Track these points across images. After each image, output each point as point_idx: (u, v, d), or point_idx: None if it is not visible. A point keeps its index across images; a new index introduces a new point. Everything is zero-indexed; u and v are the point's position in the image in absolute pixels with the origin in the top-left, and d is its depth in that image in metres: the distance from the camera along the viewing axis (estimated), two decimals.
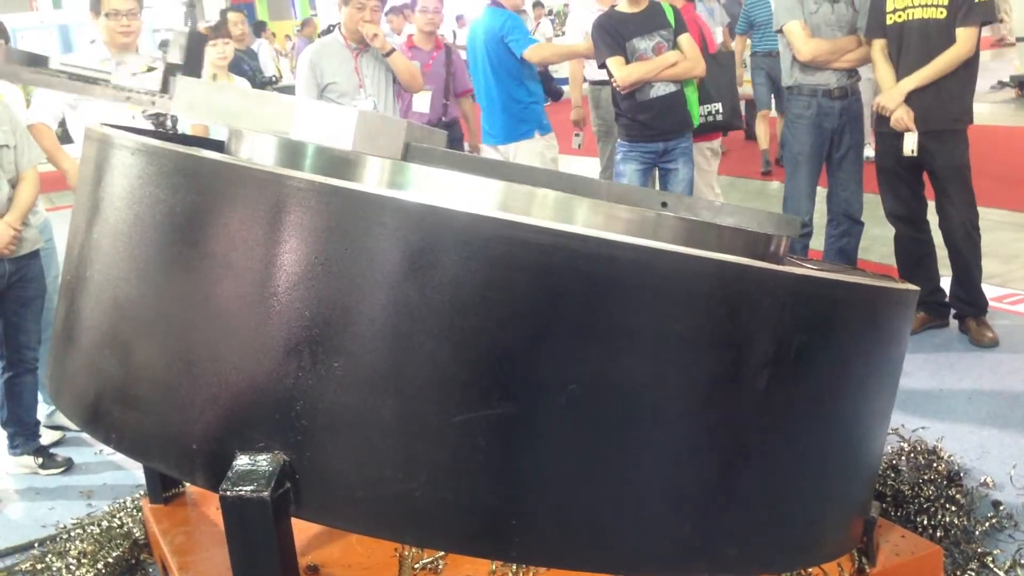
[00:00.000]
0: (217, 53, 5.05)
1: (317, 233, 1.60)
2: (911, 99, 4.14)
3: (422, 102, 5.46)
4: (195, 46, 2.13)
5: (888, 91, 4.21)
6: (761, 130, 8.50)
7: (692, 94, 4.87)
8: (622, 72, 4.66)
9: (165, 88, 2.11)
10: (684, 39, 4.75)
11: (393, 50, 4.74)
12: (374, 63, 4.71)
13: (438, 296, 1.56)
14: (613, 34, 4.72)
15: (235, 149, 2.13)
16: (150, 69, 2.08)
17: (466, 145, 6.10)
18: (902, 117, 4.13)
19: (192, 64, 2.11)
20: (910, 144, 4.15)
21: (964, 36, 4.04)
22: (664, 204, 2.34)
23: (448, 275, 1.55)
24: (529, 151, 5.35)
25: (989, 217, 5.99)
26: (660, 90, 4.72)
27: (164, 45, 2.14)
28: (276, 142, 2.01)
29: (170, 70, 2.11)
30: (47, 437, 4.03)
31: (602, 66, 4.87)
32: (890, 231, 4.60)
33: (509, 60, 5.29)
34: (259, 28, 15.32)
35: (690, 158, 4.89)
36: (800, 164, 4.70)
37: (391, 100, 4.82)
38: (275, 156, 2.01)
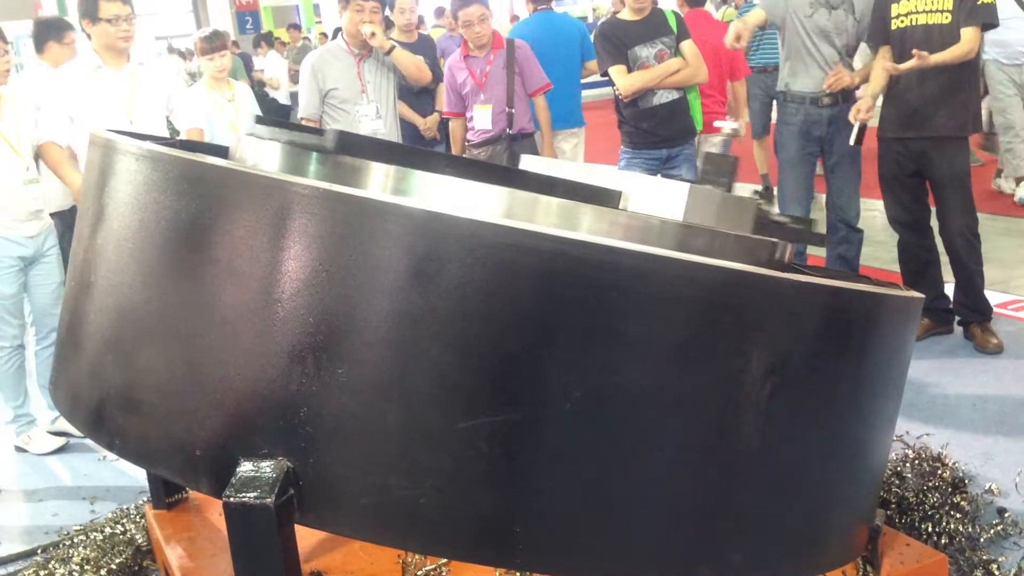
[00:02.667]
0: (215, 67, 5.05)
1: (321, 239, 1.60)
2: (915, 105, 4.14)
3: (482, 118, 5.03)
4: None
5: (875, 78, 4.25)
6: (760, 157, 7.75)
7: (695, 100, 4.87)
8: (624, 81, 4.66)
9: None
10: (686, 46, 4.74)
11: (393, 47, 4.68)
12: (377, 68, 4.68)
13: (442, 303, 1.55)
14: (615, 42, 4.72)
15: (240, 155, 2.13)
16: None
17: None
18: (863, 105, 4.18)
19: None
20: (855, 135, 4.21)
21: (967, 35, 4.04)
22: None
23: (452, 281, 1.55)
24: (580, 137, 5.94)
25: (993, 224, 6.00)
26: (663, 97, 4.72)
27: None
28: (280, 147, 2.01)
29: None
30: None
31: (604, 74, 4.87)
32: (893, 237, 4.59)
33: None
34: (264, 39, 15.27)
35: (693, 164, 4.89)
36: (787, 170, 4.76)
37: (392, 106, 4.78)
38: (280, 162, 2.01)
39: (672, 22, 4.78)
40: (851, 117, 4.25)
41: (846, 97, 4.57)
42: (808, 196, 4.76)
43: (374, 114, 4.60)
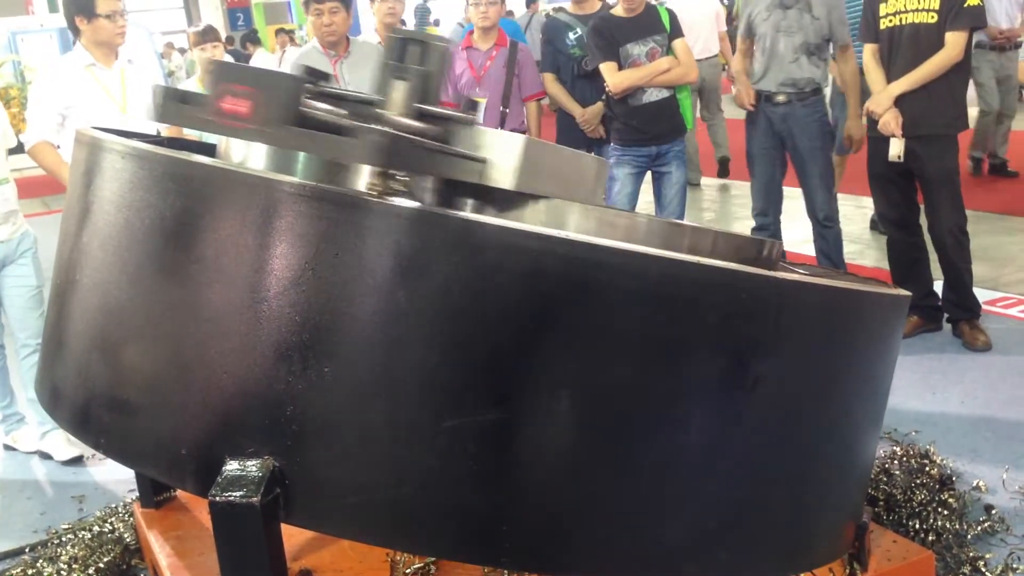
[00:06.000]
0: (208, 56, 5.04)
1: (308, 238, 1.59)
2: (902, 104, 4.15)
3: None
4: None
5: (877, 95, 4.23)
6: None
7: (685, 99, 4.88)
8: (615, 79, 4.67)
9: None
10: (678, 44, 4.75)
11: None
12: (356, 68, 4.51)
13: (429, 301, 1.55)
14: (607, 38, 4.72)
15: (227, 153, 2.12)
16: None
17: None
18: (889, 122, 4.15)
19: None
20: (895, 150, 4.18)
21: (952, 40, 4.05)
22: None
23: (439, 280, 1.55)
24: None
25: (982, 221, 6.01)
26: (653, 95, 4.73)
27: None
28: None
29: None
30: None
31: (595, 70, 4.87)
32: (882, 235, 4.61)
33: None
34: (251, 37, 15.31)
35: (683, 161, 4.90)
36: (753, 165, 4.89)
37: None
38: (266, 161, 2.00)
39: (665, 19, 4.78)
40: (881, 131, 4.23)
41: (800, 97, 4.63)
42: (774, 190, 4.85)
43: None
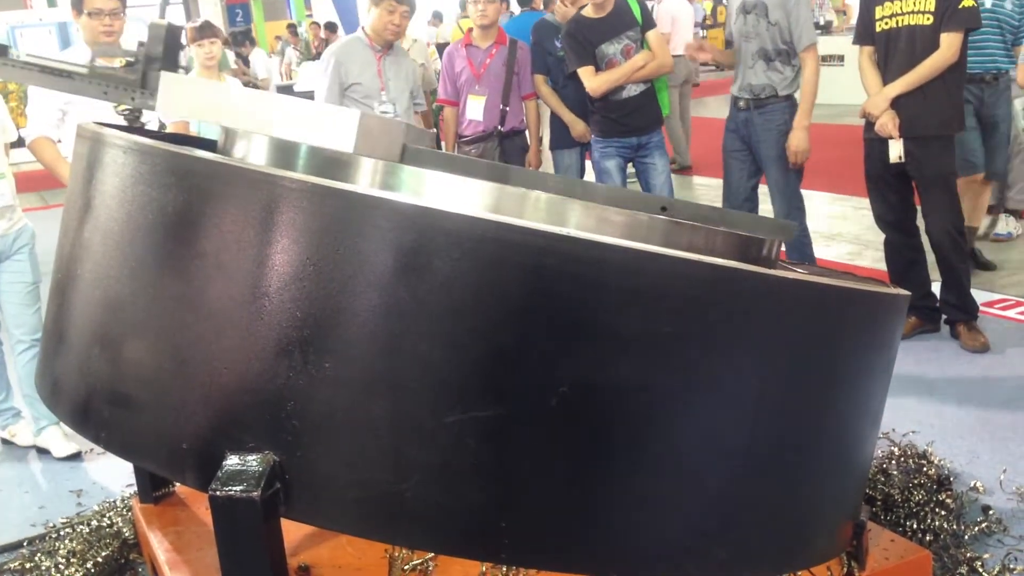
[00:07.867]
0: (204, 53, 5.03)
1: (309, 234, 1.60)
2: (898, 106, 4.16)
3: (474, 108, 5.01)
4: (172, 40, 2.16)
5: (873, 97, 4.24)
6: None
7: (663, 89, 4.94)
8: (593, 83, 4.72)
9: (144, 83, 2.15)
10: (652, 35, 4.79)
11: None
12: (396, 66, 4.65)
13: (430, 297, 1.56)
14: (582, 42, 4.75)
15: (228, 149, 2.13)
16: (127, 63, 2.07)
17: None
18: (886, 123, 4.16)
19: (170, 58, 2.16)
20: (895, 151, 4.18)
21: (947, 41, 4.06)
22: (664, 208, 2.33)
23: (440, 276, 1.55)
24: None
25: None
26: (632, 91, 4.79)
27: (142, 44, 2.14)
28: (269, 142, 2.01)
29: (149, 63, 2.14)
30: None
31: (572, 75, 4.90)
32: (880, 236, 4.62)
33: None
34: (245, 36, 15.32)
35: (664, 151, 4.95)
36: (724, 166, 4.88)
37: (407, 107, 4.70)
38: (268, 156, 2.01)
39: (636, 12, 4.80)
40: (879, 132, 4.23)
41: (757, 104, 4.62)
42: (741, 192, 4.81)
43: (392, 113, 4.51)
